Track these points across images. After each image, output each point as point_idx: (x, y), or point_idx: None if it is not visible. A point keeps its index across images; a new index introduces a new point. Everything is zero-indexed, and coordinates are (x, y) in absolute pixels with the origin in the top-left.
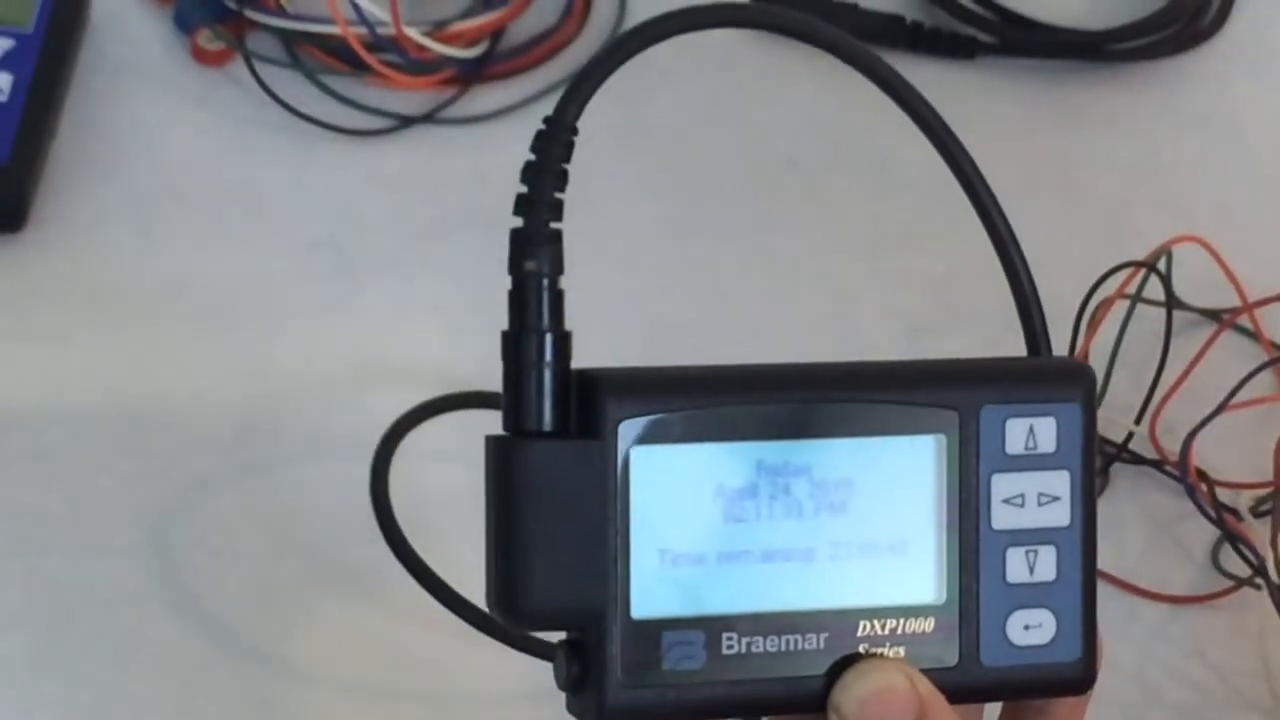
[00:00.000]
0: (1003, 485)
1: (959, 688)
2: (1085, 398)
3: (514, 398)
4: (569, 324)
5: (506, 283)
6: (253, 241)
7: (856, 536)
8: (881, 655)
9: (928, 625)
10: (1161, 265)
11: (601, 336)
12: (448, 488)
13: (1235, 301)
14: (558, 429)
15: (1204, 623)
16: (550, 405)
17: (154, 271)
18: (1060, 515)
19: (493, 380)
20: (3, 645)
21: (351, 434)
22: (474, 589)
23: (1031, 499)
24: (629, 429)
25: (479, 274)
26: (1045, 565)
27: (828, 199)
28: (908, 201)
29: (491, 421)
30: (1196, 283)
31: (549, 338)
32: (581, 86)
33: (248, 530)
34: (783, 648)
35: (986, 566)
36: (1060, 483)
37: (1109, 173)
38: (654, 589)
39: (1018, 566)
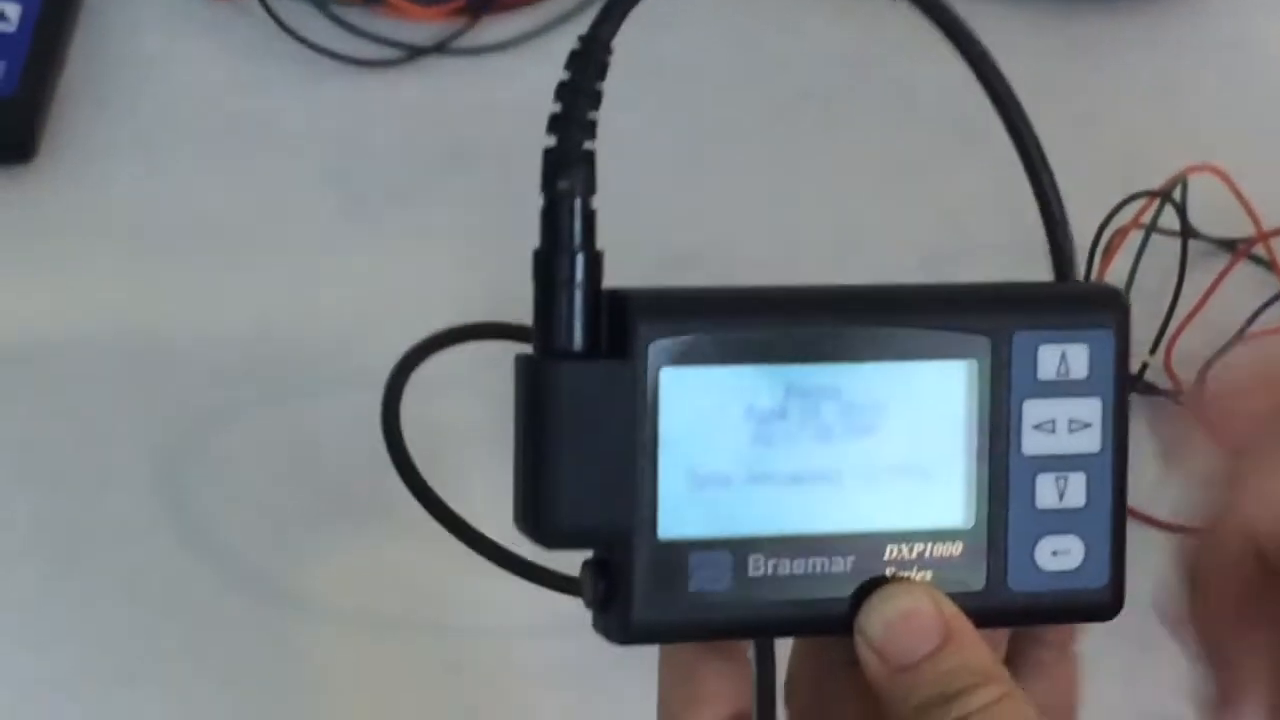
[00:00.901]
0: (1034, 411)
1: (985, 612)
2: (1118, 324)
3: (544, 318)
4: None
5: (520, 211)
6: (263, 173)
7: (885, 460)
8: (908, 579)
9: (955, 549)
10: (1177, 195)
11: (612, 267)
12: (460, 418)
13: (1251, 231)
14: (588, 349)
15: None
16: (580, 325)
17: (164, 203)
18: (1091, 442)
19: (505, 310)
20: (13, 579)
21: (363, 365)
22: (487, 520)
23: (1062, 425)
24: (659, 349)
25: (490, 205)
26: (1075, 491)
27: (842, 130)
28: (923, 132)
29: (505, 351)
30: (1212, 212)
31: (580, 258)
32: (618, 3)
33: (258, 463)
34: (809, 570)
35: (1016, 492)
36: (1091, 409)
37: (1124, 102)
38: (681, 510)
39: (1047, 492)
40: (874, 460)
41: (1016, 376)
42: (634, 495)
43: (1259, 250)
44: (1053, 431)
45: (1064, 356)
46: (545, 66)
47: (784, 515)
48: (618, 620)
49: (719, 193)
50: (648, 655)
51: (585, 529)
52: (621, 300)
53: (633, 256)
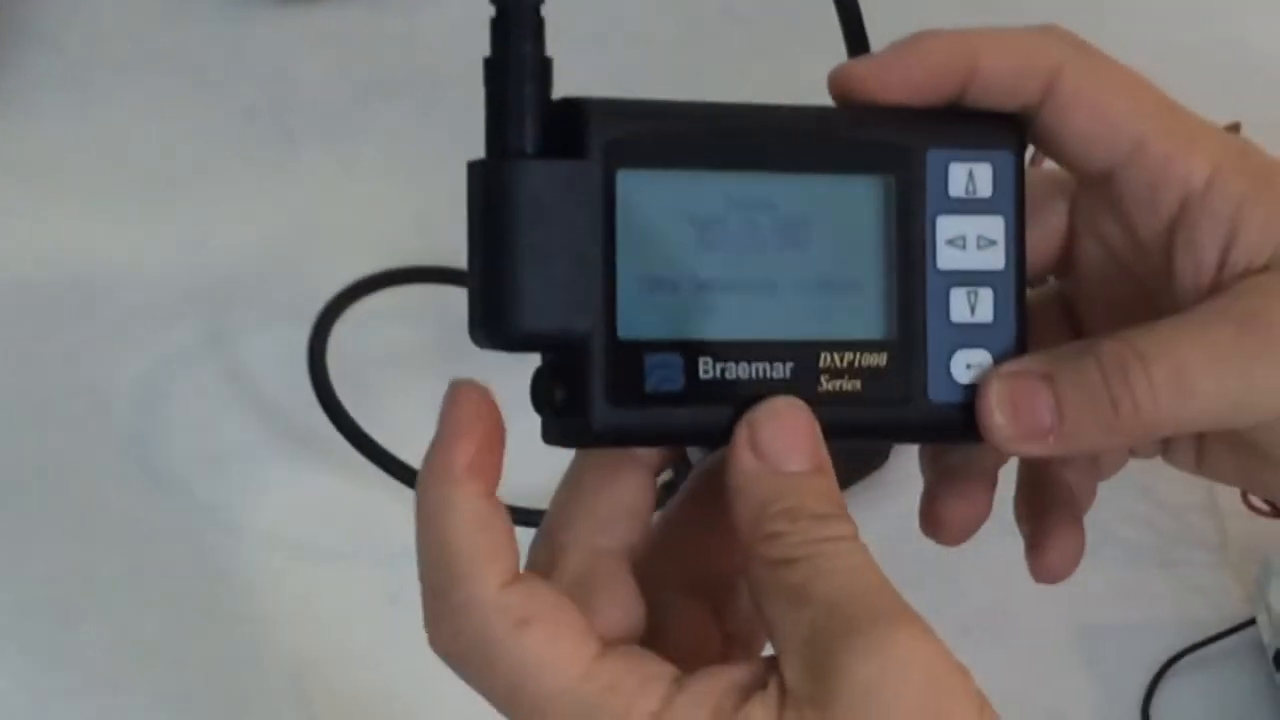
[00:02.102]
0: (946, 226)
1: (908, 423)
2: (1018, 146)
3: (498, 120)
4: None
5: (446, 141)
6: (189, 107)
7: (815, 271)
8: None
9: (881, 360)
10: None
11: None
12: (389, 349)
13: None
14: (541, 152)
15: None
16: (533, 127)
17: (92, 139)
18: (996, 259)
19: (432, 240)
20: None
21: (295, 299)
22: (416, 454)
23: (972, 241)
24: (612, 150)
25: (418, 135)
26: (984, 307)
27: (767, 49)
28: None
29: (435, 290)
30: None
31: (531, 62)
32: None
33: (195, 397)
34: (753, 375)
35: (933, 305)
36: (996, 227)
37: (1046, 13)
38: (636, 311)
39: (960, 306)
40: (805, 271)
41: (931, 191)
42: (592, 295)
43: None
44: (964, 248)
45: (971, 174)
46: None
47: (727, 321)
48: (578, 423)
49: None
50: None
51: (545, 329)
52: (576, 103)
53: None
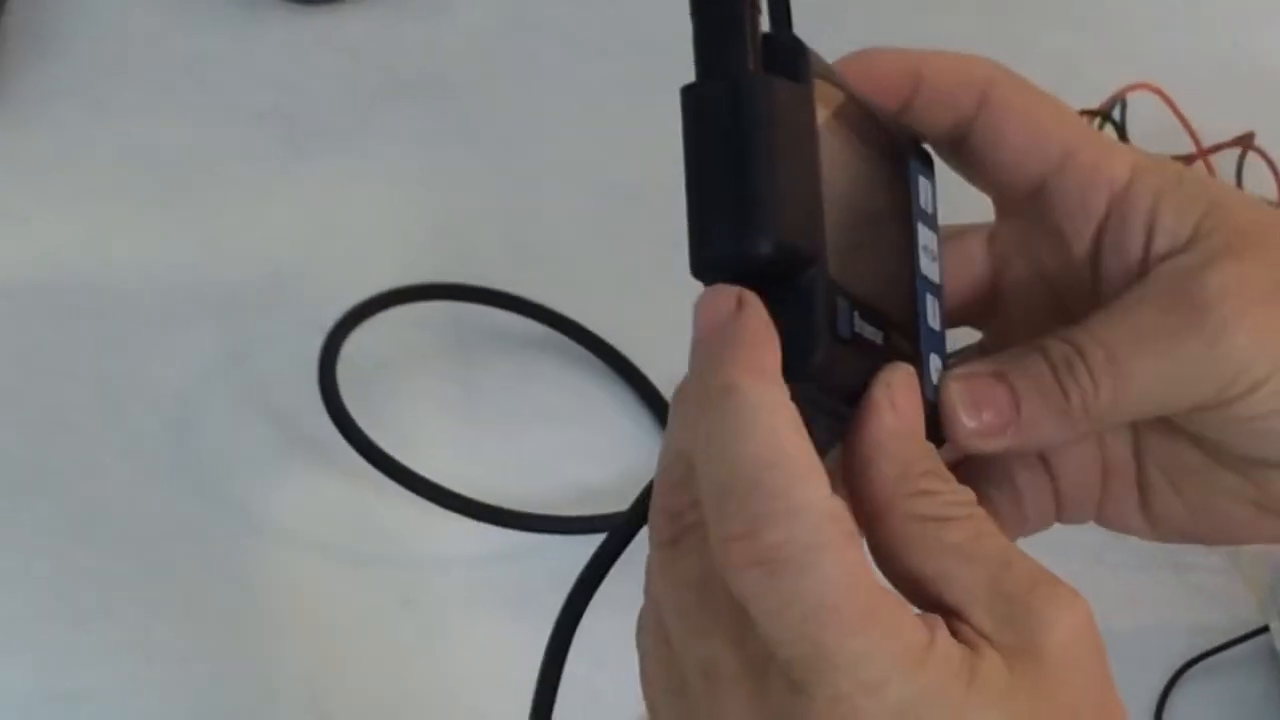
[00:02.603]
0: (920, 233)
1: (928, 415)
2: (933, 171)
3: (729, 42)
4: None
5: (460, 146)
6: (202, 112)
7: (893, 251)
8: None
9: (909, 347)
10: (1116, 113)
11: (552, 198)
12: (400, 358)
13: (1189, 148)
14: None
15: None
16: (759, 52)
17: (104, 144)
18: (938, 272)
19: (445, 246)
20: None
21: (305, 304)
22: (426, 461)
23: (930, 251)
24: (816, 85)
25: (430, 141)
26: (936, 315)
27: None
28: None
29: (443, 305)
30: (1150, 130)
31: None
32: None
33: (206, 401)
34: (868, 337)
35: (920, 306)
36: (936, 243)
37: (1060, 22)
38: (833, 249)
39: (932, 312)
40: (892, 250)
41: (913, 197)
42: (815, 222)
43: (1198, 167)
44: (928, 256)
45: (930, 189)
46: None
47: (864, 280)
48: (799, 355)
49: (656, 123)
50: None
51: (787, 248)
52: (782, 35)
53: (568, 188)
